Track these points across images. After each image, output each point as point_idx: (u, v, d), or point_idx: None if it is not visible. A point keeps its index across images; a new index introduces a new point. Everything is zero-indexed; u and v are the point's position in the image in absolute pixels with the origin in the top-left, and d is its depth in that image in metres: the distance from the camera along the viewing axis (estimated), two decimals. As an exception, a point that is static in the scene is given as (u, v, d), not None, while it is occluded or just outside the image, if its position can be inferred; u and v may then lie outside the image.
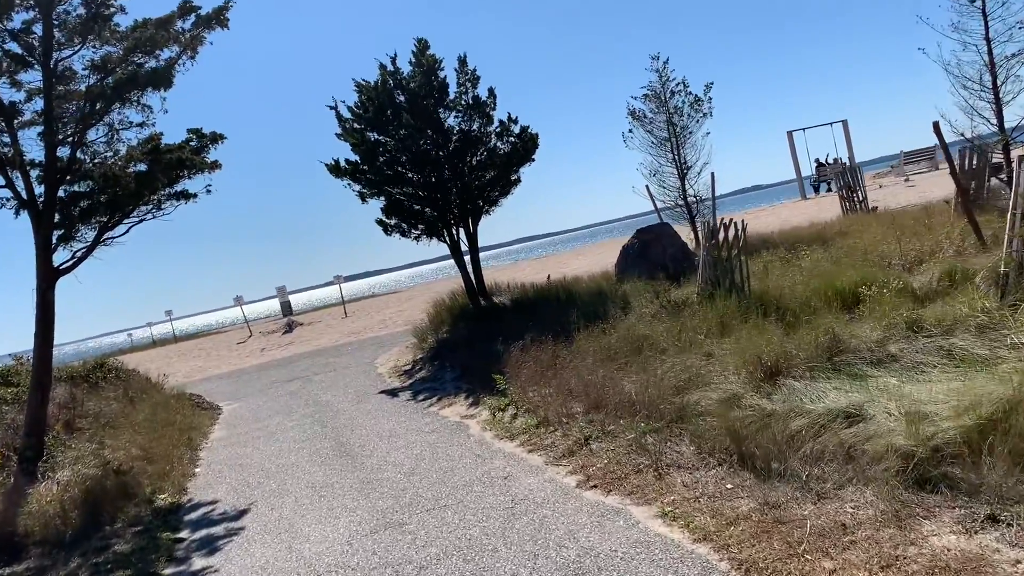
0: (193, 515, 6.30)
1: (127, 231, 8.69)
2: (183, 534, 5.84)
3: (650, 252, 12.55)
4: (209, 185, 9.41)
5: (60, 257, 8.24)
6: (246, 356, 20.09)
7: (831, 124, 33.31)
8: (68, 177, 8.07)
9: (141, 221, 8.83)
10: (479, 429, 7.24)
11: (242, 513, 6.03)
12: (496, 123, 13.97)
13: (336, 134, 14.26)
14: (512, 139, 13.99)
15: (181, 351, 25.06)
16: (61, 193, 8.12)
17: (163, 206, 8.82)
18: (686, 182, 16.46)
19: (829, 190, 33.20)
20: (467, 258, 14.77)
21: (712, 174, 17.00)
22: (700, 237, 16.42)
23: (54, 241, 8.08)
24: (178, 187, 8.94)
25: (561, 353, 8.39)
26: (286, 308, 27.86)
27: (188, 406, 11.32)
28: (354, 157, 14.01)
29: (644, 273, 12.25)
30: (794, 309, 7.20)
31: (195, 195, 9.14)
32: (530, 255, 54.68)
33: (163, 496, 6.86)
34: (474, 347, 10.78)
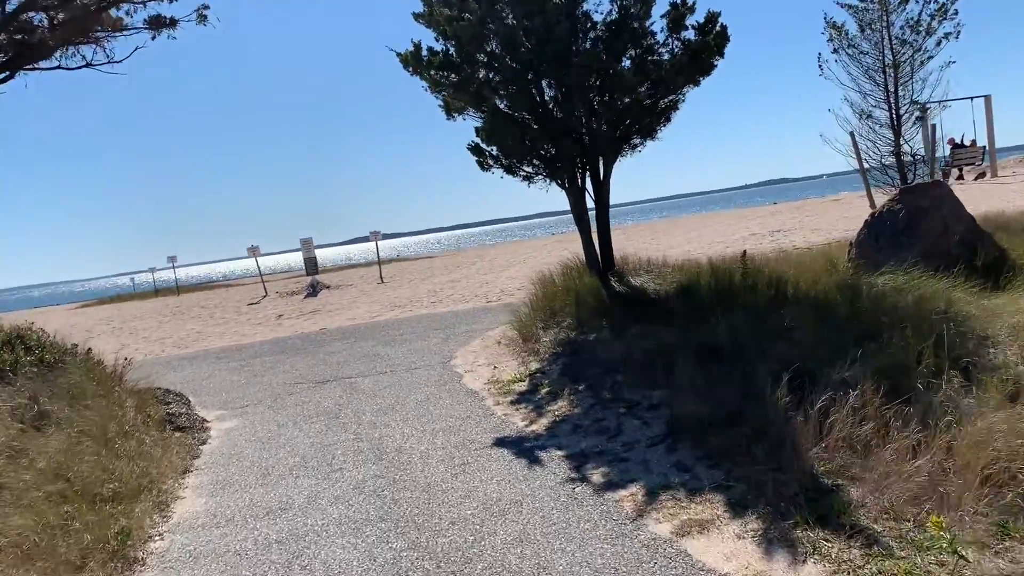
0: None
1: (10, 76, 3.95)
2: None
3: (924, 227, 7.64)
4: (206, 7, 4.72)
5: None
6: (257, 324, 15.49)
7: (971, 99, 27.75)
8: None
9: (45, 63, 4.08)
10: None
11: None
12: (666, 9, 9.03)
13: (414, 14, 9.43)
14: (688, 35, 9.06)
15: (180, 308, 20.54)
16: None
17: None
18: (903, 134, 11.59)
19: (960, 177, 27.95)
20: (592, 213, 9.98)
21: (933, 126, 12.09)
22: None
23: None
24: None
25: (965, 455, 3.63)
26: (310, 265, 23.17)
27: (154, 422, 6.68)
28: (440, 47, 9.19)
29: (915, 261, 7.39)
30: None
31: (174, 22, 4.41)
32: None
33: None
34: (655, 365, 6.06)
